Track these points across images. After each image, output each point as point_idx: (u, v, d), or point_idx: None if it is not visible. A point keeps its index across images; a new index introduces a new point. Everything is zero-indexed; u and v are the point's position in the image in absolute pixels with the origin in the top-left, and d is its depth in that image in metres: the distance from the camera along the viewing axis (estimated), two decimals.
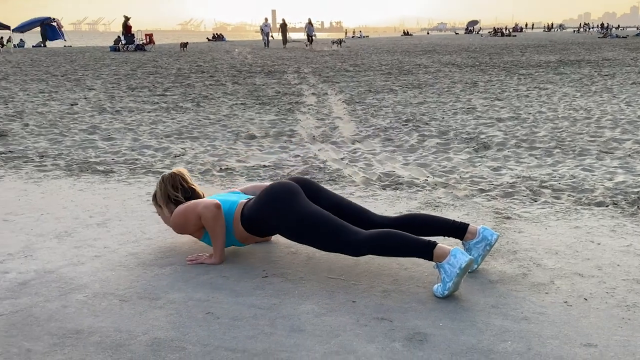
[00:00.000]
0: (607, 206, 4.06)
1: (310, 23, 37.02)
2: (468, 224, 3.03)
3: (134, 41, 33.45)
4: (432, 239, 2.85)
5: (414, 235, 2.81)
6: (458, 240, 3.16)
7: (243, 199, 3.24)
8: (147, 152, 6.24)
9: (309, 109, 9.35)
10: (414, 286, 2.82)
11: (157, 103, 10.24)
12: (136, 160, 5.86)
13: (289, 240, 3.42)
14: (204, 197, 3.40)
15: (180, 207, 3.21)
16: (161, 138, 7.07)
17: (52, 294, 2.75)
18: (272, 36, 40.16)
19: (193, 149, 6.39)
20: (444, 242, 3.03)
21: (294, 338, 2.36)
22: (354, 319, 2.51)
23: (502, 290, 2.77)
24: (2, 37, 36.51)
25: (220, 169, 5.43)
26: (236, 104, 10.09)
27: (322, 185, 4.71)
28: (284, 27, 37.34)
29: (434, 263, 2.74)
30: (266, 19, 38.61)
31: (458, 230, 3.01)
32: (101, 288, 2.82)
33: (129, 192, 4.56)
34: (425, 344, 2.31)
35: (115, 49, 32.70)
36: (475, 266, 2.97)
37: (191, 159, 5.88)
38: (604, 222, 3.72)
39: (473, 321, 2.48)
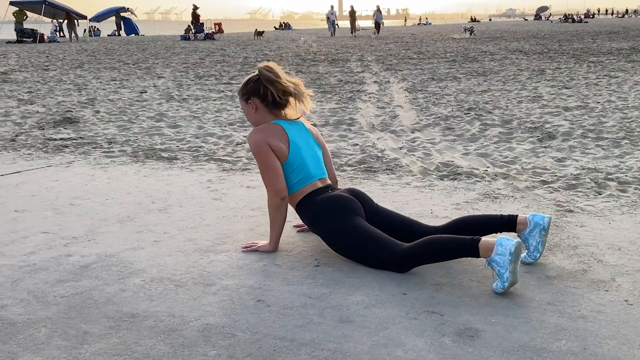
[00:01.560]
0: None
1: (378, 10, 36.18)
2: (517, 215, 2.95)
3: (203, 30, 34.09)
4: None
5: (455, 236, 2.77)
6: None
7: (319, 177, 3.15)
8: (210, 140, 6.37)
9: (370, 98, 9.30)
10: (467, 280, 2.77)
11: (223, 91, 10.42)
12: (199, 147, 5.99)
13: None
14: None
15: (259, 143, 3.03)
16: (225, 126, 7.20)
17: (112, 278, 2.85)
18: (337, 24, 39.66)
19: None
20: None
21: (342, 329, 2.36)
22: (403, 311, 2.49)
23: (560, 286, 2.68)
24: (92, 26, 38.34)
25: None
26: None
27: (378, 174, 4.68)
28: (352, 15, 36.42)
29: (484, 261, 2.69)
30: (332, 7, 37.91)
31: (508, 224, 2.94)
32: (158, 273, 2.90)
33: (191, 179, 4.67)
34: (476, 340, 2.26)
35: (185, 37, 33.45)
36: (538, 255, 2.89)
37: None
38: None
39: (527, 318, 2.42)
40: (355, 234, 2.91)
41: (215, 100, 9.42)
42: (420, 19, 76.84)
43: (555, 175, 4.55)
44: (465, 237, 2.73)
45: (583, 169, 4.73)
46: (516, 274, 2.60)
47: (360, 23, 40.55)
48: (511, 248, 2.55)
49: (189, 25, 35.44)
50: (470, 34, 30.58)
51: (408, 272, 2.85)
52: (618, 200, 3.90)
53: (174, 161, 5.35)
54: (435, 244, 2.77)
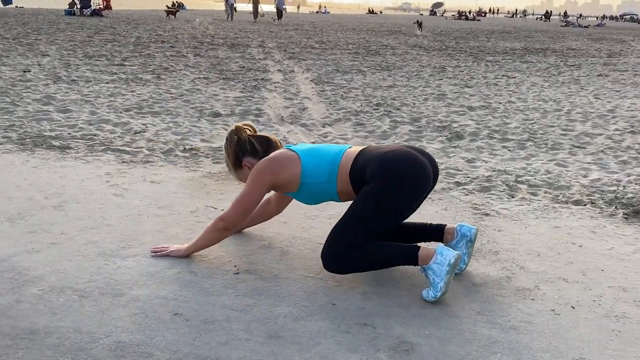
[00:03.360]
0: (584, 205, 3.98)
1: None
2: (445, 225, 2.88)
3: (90, 5, 32.30)
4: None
5: (394, 244, 2.66)
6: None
7: (345, 148, 2.83)
8: (105, 127, 5.92)
9: (276, 87, 9.10)
10: (394, 288, 2.66)
11: (116, 73, 9.82)
12: (94, 135, 5.54)
13: (261, 233, 3.23)
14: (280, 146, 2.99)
15: (261, 171, 2.78)
16: (120, 112, 6.74)
17: (4, 287, 2.50)
18: (235, 8, 38.48)
19: (154, 125, 6.10)
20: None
21: (271, 345, 2.18)
22: (335, 324, 2.34)
23: (487, 294, 2.64)
24: None
25: (184, 148, 5.17)
26: (199, 77, 9.76)
27: None
28: None
29: (419, 267, 2.60)
30: None
31: (436, 233, 2.86)
32: (58, 280, 2.58)
33: (87, 172, 4.28)
34: (412, 355, 2.16)
35: (70, 12, 31.53)
36: (464, 266, 2.84)
37: (152, 137, 5.59)
38: (584, 222, 3.63)
39: (460, 330, 2.35)
40: (380, 217, 2.60)
41: (108, 82, 8.84)
42: (320, 7, 77.61)
43: (468, 177, 4.58)
44: (403, 245, 2.63)
45: (494, 171, 4.79)
46: (449, 285, 2.54)
47: (263, 7, 39.33)
48: (450, 259, 2.48)
49: (73, 0, 33.45)
50: (420, 29, 27.41)
51: (335, 280, 2.71)
52: (531, 204, 3.96)
53: (67, 151, 4.90)
54: (375, 253, 2.63)
